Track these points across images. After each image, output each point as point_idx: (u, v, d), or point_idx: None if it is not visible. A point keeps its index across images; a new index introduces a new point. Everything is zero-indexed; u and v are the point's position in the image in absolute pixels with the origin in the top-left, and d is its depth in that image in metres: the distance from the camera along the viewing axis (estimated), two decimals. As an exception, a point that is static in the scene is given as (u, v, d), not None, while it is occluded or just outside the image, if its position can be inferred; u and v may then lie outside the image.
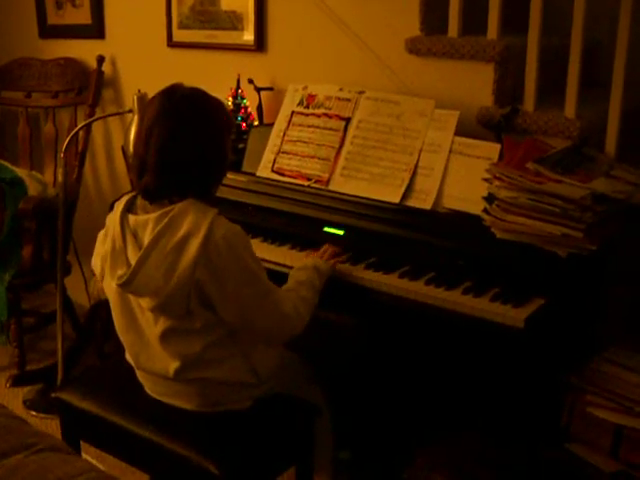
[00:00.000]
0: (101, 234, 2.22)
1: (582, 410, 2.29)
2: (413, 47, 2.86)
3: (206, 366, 2.16)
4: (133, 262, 2.08)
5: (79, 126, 3.30)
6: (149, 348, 2.19)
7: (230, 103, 3.20)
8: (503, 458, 2.44)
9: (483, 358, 2.35)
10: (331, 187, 2.69)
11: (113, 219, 2.16)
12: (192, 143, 2.10)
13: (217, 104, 2.20)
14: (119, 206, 2.17)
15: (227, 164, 2.28)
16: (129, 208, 2.17)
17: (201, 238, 2.02)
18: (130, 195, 2.20)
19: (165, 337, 2.13)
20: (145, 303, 2.11)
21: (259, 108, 3.22)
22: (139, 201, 2.17)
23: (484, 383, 2.46)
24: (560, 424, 2.33)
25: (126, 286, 2.09)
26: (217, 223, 2.06)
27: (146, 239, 2.08)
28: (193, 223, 2.04)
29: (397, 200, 2.56)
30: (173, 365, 2.15)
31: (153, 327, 2.14)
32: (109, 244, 2.15)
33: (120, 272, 2.10)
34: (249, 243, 2.15)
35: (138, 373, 2.32)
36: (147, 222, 2.09)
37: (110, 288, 2.19)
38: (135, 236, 2.12)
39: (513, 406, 2.38)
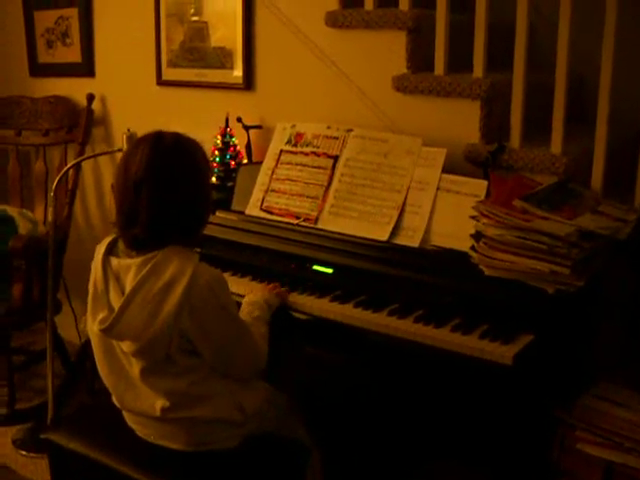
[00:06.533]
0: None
1: (572, 446, 2.28)
2: (400, 85, 2.89)
3: (193, 404, 2.15)
4: (115, 306, 2.08)
5: (69, 165, 3.32)
6: (134, 388, 2.18)
7: (219, 141, 3.22)
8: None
9: (473, 395, 2.35)
10: (320, 225, 2.70)
11: (95, 262, 2.17)
12: (183, 193, 2.11)
13: (198, 148, 2.20)
14: (100, 249, 2.18)
15: (211, 208, 2.31)
16: (111, 251, 2.18)
17: (185, 284, 2.02)
18: (111, 237, 2.20)
19: (145, 376, 2.13)
20: (125, 347, 2.11)
21: (248, 146, 3.24)
22: (121, 244, 2.18)
23: (474, 419, 2.46)
24: (550, 460, 2.33)
25: (108, 331, 2.10)
26: (200, 269, 2.07)
27: (128, 284, 2.08)
28: (177, 269, 2.05)
29: (385, 238, 2.57)
30: (159, 403, 2.14)
31: (135, 368, 2.14)
32: (91, 287, 2.16)
33: (102, 315, 2.10)
34: (228, 288, 2.18)
35: (126, 416, 2.30)
36: (130, 267, 2.09)
37: (92, 330, 2.19)
38: (117, 279, 2.12)
39: (503, 442, 2.38)
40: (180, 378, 2.12)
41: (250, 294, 2.51)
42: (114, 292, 2.11)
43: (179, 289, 2.03)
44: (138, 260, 2.08)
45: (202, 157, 2.21)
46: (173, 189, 2.09)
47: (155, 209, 2.07)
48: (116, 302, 2.09)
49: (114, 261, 2.14)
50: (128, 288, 2.07)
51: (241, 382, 2.26)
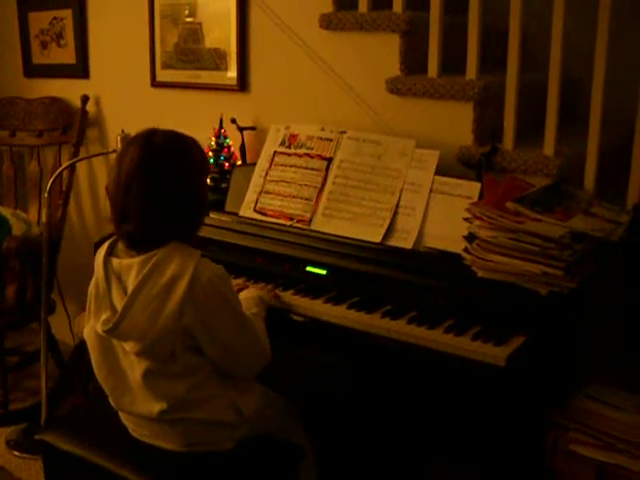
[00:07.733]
0: None
1: (565, 447, 2.28)
2: (393, 87, 2.89)
3: (190, 406, 2.15)
4: (118, 306, 2.08)
5: (63, 166, 3.31)
6: (132, 391, 2.18)
7: (213, 142, 3.22)
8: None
9: (466, 396, 2.35)
10: (313, 227, 2.71)
11: (96, 264, 2.17)
12: (175, 190, 2.10)
13: (194, 146, 2.19)
14: (101, 251, 2.17)
15: (207, 204, 2.30)
16: (111, 251, 2.17)
17: (187, 281, 2.02)
18: (112, 239, 2.20)
19: (147, 379, 2.12)
20: (129, 347, 2.10)
21: (242, 148, 3.24)
22: (121, 244, 2.17)
23: (467, 421, 2.46)
24: (543, 461, 2.33)
25: (112, 332, 2.09)
26: (202, 266, 2.06)
27: (130, 283, 2.08)
28: (179, 266, 2.04)
29: (379, 239, 2.58)
30: (157, 407, 2.13)
31: (136, 369, 2.14)
32: (93, 288, 2.15)
33: (105, 316, 2.10)
34: (232, 283, 2.19)
35: (121, 415, 2.30)
36: (131, 266, 2.09)
37: (91, 331, 2.19)
38: (119, 279, 2.11)
39: (496, 443, 2.38)
40: (180, 381, 2.11)
41: (243, 291, 2.51)
42: (116, 292, 2.10)
43: (181, 286, 2.02)
44: (139, 259, 2.08)
45: (197, 154, 2.19)
46: (164, 185, 2.08)
47: (145, 205, 2.06)
48: (119, 302, 2.09)
49: (115, 261, 2.13)
50: (130, 287, 2.07)
51: (238, 385, 2.25)
